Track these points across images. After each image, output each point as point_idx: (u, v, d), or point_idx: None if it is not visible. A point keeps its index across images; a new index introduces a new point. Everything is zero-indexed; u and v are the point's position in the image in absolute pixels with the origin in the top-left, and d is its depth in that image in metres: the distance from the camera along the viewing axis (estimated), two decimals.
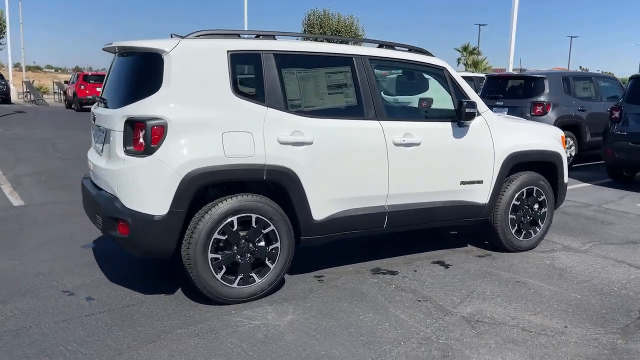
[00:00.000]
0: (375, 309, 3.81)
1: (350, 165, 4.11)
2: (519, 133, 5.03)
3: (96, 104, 4.30)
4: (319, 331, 3.45)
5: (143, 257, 4.23)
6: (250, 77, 3.94)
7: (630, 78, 8.90)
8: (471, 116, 4.52)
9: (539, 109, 9.80)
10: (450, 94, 4.66)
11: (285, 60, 4.00)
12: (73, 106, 25.18)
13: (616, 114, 8.45)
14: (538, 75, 10.33)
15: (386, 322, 3.61)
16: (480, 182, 4.74)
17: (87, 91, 23.79)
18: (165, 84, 3.58)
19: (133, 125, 3.57)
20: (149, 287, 4.09)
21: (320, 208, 4.01)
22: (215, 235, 3.67)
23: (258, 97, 3.84)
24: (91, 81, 24.11)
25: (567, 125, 9.66)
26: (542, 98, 9.90)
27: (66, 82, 31.14)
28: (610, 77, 12.33)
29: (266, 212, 3.79)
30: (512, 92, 10.62)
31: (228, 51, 3.77)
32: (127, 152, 3.60)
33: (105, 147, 3.91)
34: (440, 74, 4.69)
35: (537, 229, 5.21)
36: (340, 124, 4.12)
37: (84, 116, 17.06)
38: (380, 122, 4.26)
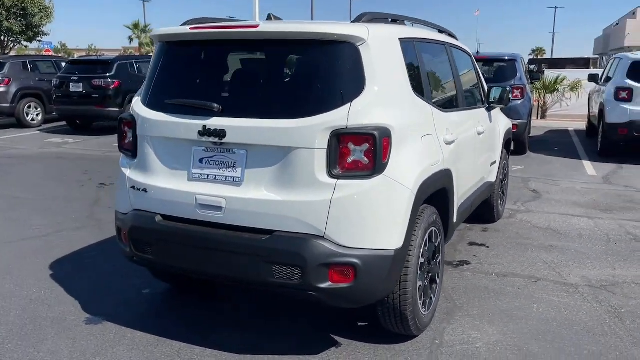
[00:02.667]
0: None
1: (467, 159, 4.07)
2: (502, 115, 5.65)
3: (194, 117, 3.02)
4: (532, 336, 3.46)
5: (350, 307, 3.28)
6: (411, 69, 3.42)
7: None
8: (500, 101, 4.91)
9: None
10: (478, 79, 4.93)
11: (427, 50, 3.64)
12: None
13: None
14: None
15: (553, 310, 3.83)
16: (495, 162, 5.21)
17: None
18: (369, 83, 2.83)
19: (343, 139, 2.75)
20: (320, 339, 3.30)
21: (456, 208, 3.86)
22: (421, 259, 3.19)
23: (421, 92, 3.39)
24: None
25: None
26: None
27: None
28: None
29: (438, 223, 3.46)
30: None
31: (399, 39, 3.21)
32: (335, 176, 2.75)
33: (261, 173, 2.89)
34: (470, 58, 4.89)
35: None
36: (461, 117, 4.03)
37: None
38: (469, 111, 4.30)
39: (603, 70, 11.56)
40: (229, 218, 2.92)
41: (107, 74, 12.89)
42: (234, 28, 3.06)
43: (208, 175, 3.01)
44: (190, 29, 3.12)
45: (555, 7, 69.87)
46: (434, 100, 3.55)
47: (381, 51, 2.97)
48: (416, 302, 3.17)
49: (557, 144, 11.41)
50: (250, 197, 2.87)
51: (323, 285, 2.77)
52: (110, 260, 4.66)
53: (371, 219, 2.79)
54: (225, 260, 2.97)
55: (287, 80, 3.14)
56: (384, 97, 2.89)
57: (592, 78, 11.33)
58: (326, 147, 2.73)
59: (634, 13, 48.49)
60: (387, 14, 3.37)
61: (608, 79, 10.23)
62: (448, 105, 3.92)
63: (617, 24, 52.74)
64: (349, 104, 2.76)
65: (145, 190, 3.18)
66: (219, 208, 2.93)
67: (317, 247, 2.75)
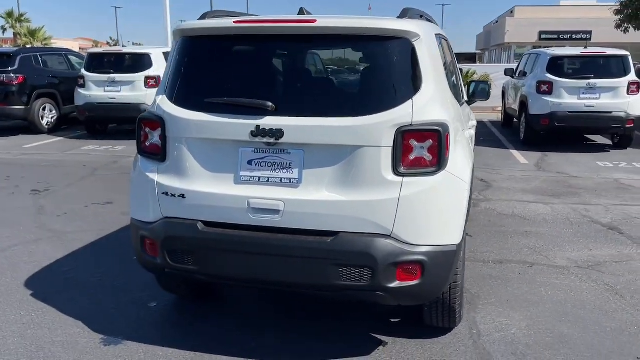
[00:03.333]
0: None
1: (471, 152, 4.07)
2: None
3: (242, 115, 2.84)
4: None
5: (411, 304, 3.16)
6: (444, 65, 3.45)
7: None
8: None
9: None
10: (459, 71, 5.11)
11: (443, 44, 3.73)
12: None
13: None
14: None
15: (561, 293, 4.08)
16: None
17: None
18: (426, 79, 2.82)
19: (407, 136, 2.72)
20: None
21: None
22: None
23: (449, 87, 3.46)
24: None
25: None
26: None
27: None
28: None
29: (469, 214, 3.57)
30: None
31: (435, 35, 3.26)
32: (401, 173, 2.73)
33: (320, 173, 2.79)
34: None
35: None
36: (465, 111, 4.21)
37: None
38: (465, 105, 4.46)
39: (517, 65, 12.44)
40: (287, 221, 2.78)
41: (10, 68, 11.69)
42: (288, 22, 2.90)
43: (260, 178, 2.85)
44: (235, 22, 2.92)
45: (443, 5, 73.99)
46: (454, 95, 3.63)
47: (430, 47, 2.98)
48: (462, 295, 3.24)
49: (480, 134, 12.08)
50: (311, 199, 2.76)
51: (392, 285, 2.75)
52: (93, 275, 4.26)
53: (437, 215, 2.80)
54: (285, 266, 2.83)
55: (345, 76, 3.04)
56: (438, 93, 2.90)
57: (509, 72, 12.15)
58: (392, 144, 2.70)
59: (512, 12, 52.63)
60: (419, 10, 3.39)
61: (524, 74, 11.04)
62: (458, 99, 4.03)
63: (497, 21, 57.02)
64: (410, 100, 2.75)
65: (183, 196, 2.93)
66: (277, 211, 2.79)
67: (386, 247, 2.71)
